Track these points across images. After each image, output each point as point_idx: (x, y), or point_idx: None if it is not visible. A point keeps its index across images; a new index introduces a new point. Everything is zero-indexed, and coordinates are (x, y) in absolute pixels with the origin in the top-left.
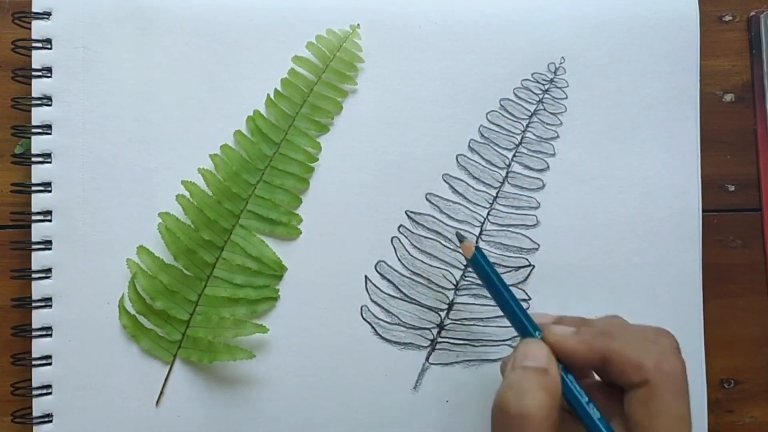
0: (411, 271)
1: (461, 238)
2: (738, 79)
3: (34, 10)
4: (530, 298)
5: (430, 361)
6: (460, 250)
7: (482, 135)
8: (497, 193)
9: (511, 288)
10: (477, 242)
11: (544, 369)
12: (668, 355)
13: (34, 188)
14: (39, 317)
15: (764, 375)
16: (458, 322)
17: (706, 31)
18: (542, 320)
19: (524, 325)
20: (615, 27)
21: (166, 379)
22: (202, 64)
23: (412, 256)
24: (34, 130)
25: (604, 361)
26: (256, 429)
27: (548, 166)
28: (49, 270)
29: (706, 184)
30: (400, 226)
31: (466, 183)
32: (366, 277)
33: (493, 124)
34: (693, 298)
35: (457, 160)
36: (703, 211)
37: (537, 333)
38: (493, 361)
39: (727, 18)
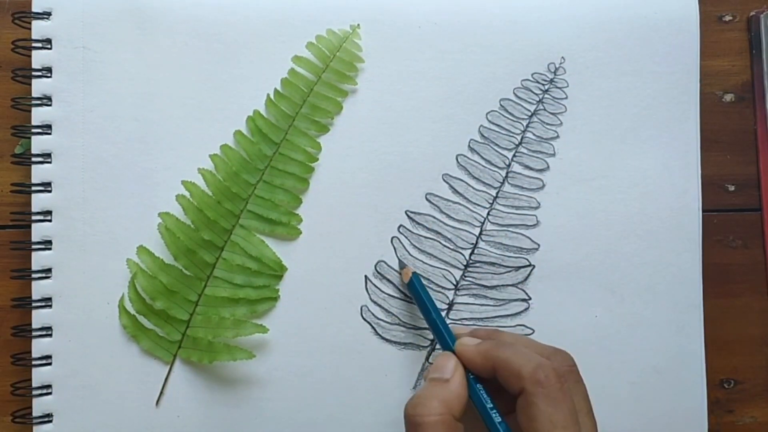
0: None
1: (402, 266)
2: (738, 79)
3: (34, 10)
4: (530, 298)
5: (431, 360)
6: (459, 250)
7: (482, 135)
8: (497, 193)
9: (512, 287)
10: (477, 242)
11: (445, 380)
12: (544, 367)
13: (34, 188)
14: (39, 317)
15: (764, 375)
16: (458, 322)
17: (706, 31)
18: (457, 331)
19: (443, 338)
20: (615, 27)
21: (166, 379)
22: (202, 64)
23: (412, 256)
24: (34, 130)
25: (495, 370)
26: (256, 429)
27: (548, 166)
28: (49, 270)
29: (706, 184)
30: (400, 226)
31: (466, 183)
32: (366, 277)
33: (493, 124)
34: (693, 297)
35: (457, 160)
36: (703, 211)
37: (452, 346)
38: None
39: (727, 18)
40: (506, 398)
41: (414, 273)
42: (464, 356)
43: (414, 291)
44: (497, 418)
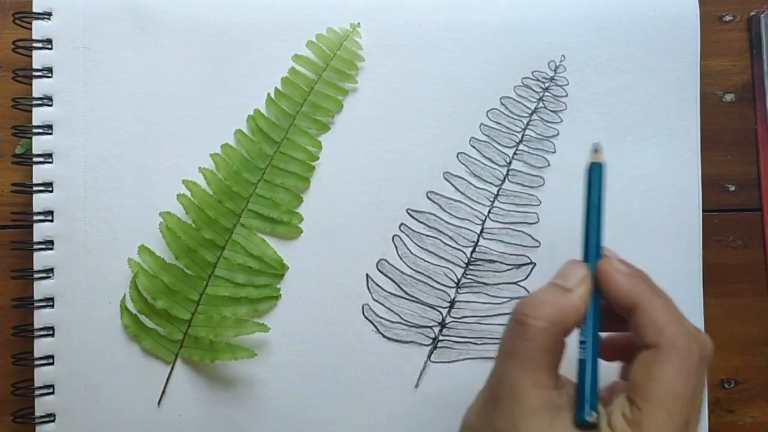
0: (412, 269)
1: (597, 149)
2: (738, 79)
3: (34, 10)
4: None
5: (432, 359)
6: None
7: (483, 133)
8: (498, 190)
9: (513, 285)
10: (478, 240)
11: (567, 289)
12: (691, 338)
13: (35, 188)
14: (41, 317)
15: (764, 375)
16: (460, 320)
17: (707, 31)
18: (609, 254)
19: (590, 245)
20: (615, 25)
21: (167, 379)
22: (203, 64)
23: (413, 254)
24: (35, 131)
25: (634, 308)
26: (258, 428)
27: (549, 164)
28: (51, 270)
29: (707, 184)
30: (402, 224)
31: (467, 181)
32: (367, 275)
33: (494, 122)
34: (693, 296)
35: (458, 158)
36: (704, 211)
37: (593, 261)
38: (495, 359)
39: (728, 18)
40: (615, 349)
41: (600, 164)
42: (609, 276)
43: (591, 176)
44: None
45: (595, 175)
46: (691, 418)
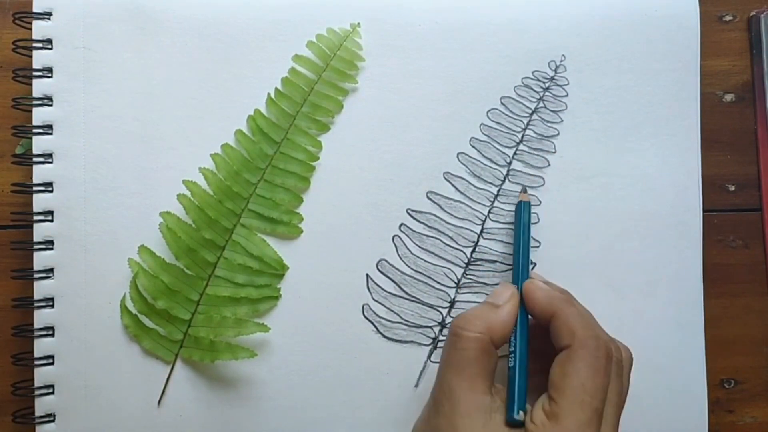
0: (412, 269)
1: (524, 190)
2: (738, 79)
3: (34, 10)
4: None
5: (432, 359)
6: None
7: (483, 133)
8: (498, 190)
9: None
10: (478, 240)
11: (496, 305)
12: (600, 340)
13: (35, 188)
14: (41, 317)
15: (764, 375)
16: None
17: (707, 31)
18: (535, 276)
19: (517, 271)
20: (616, 24)
21: (167, 379)
22: (203, 64)
23: (413, 254)
24: (35, 131)
25: (552, 317)
26: (258, 428)
27: (549, 164)
28: (51, 270)
29: (707, 184)
30: (402, 224)
31: (467, 181)
32: (367, 275)
33: (494, 122)
34: (694, 296)
35: (458, 158)
36: (704, 211)
37: (520, 282)
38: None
39: (728, 18)
40: (541, 359)
41: (527, 203)
42: (529, 292)
43: (519, 214)
44: (518, 363)
45: (523, 211)
46: (605, 411)
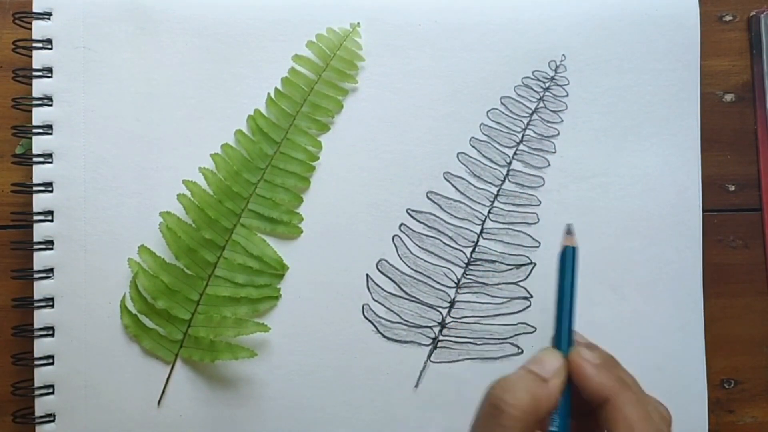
0: (412, 269)
1: (569, 232)
2: (738, 79)
3: (34, 10)
4: (531, 296)
5: (432, 359)
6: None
7: (483, 133)
8: (498, 190)
9: (513, 285)
10: (478, 240)
11: (543, 378)
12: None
13: (35, 188)
14: (41, 317)
15: (764, 375)
16: (460, 320)
17: (707, 31)
18: (579, 339)
19: (562, 334)
20: (616, 24)
21: (167, 379)
22: (203, 64)
23: (413, 254)
24: (34, 131)
25: (605, 402)
26: (258, 427)
27: (549, 164)
28: (51, 270)
29: (707, 184)
30: (402, 224)
31: (467, 181)
32: (367, 275)
33: (494, 122)
34: (694, 295)
35: (458, 158)
36: (704, 211)
37: (565, 347)
38: (495, 359)
39: (728, 18)
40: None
41: (574, 248)
42: (580, 370)
43: (564, 262)
44: None
45: (568, 260)
46: None
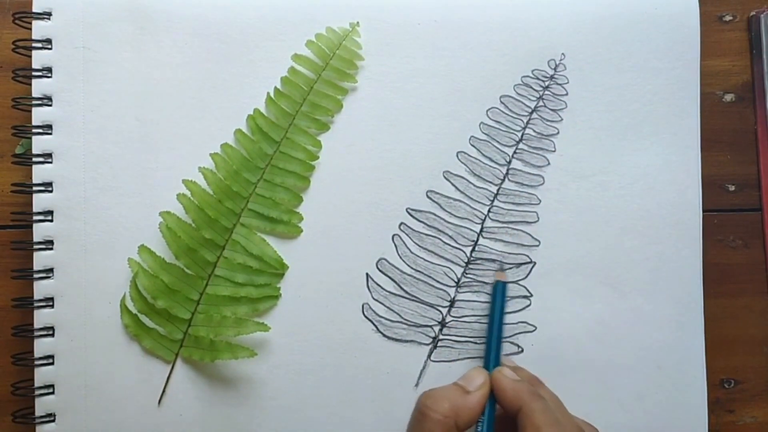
0: (412, 268)
1: (500, 268)
2: (738, 79)
3: (34, 10)
4: (531, 295)
5: (432, 358)
6: (465, 251)
7: (483, 132)
8: (498, 189)
9: (513, 284)
10: (478, 239)
11: (466, 391)
12: None
13: (35, 188)
14: (41, 317)
15: (764, 375)
16: (460, 320)
17: (707, 31)
18: (506, 362)
19: (489, 356)
20: (615, 23)
21: (168, 378)
22: (202, 63)
23: (413, 253)
24: (34, 130)
25: (518, 411)
26: (258, 427)
27: (549, 163)
28: (51, 270)
29: (707, 184)
30: (401, 223)
31: (467, 180)
32: (367, 274)
33: (494, 120)
34: (694, 295)
35: (457, 157)
36: (704, 211)
37: (491, 368)
38: None
39: (728, 18)
40: None
41: (503, 283)
42: (497, 382)
43: (495, 295)
44: None
45: (498, 293)
46: None
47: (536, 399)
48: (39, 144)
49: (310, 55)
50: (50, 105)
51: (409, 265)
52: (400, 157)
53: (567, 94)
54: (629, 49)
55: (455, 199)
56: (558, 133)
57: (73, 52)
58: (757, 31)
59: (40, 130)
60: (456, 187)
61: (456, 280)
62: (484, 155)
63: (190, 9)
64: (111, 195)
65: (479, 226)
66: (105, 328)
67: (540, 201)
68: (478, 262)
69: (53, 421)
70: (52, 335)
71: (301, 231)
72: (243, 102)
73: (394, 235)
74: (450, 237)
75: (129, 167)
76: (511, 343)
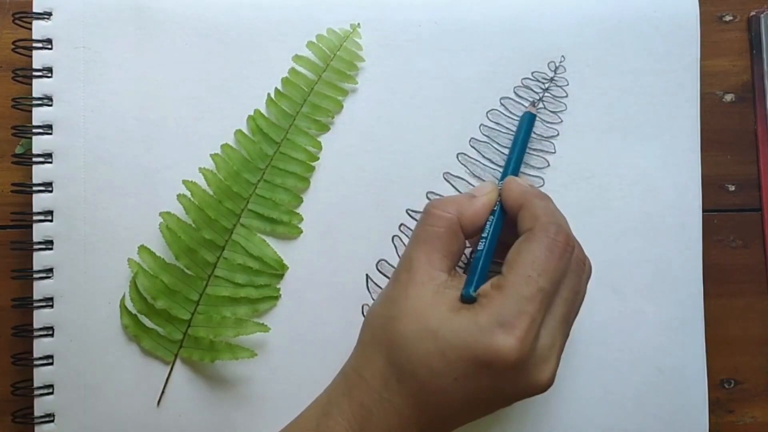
0: None
1: (535, 103)
2: (738, 79)
3: (34, 10)
4: None
5: None
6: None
7: (483, 133)
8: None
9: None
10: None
11: (473, 195)
12: (561, 229)
13: (35, 188)
14: (41, 317)
15: (764, 375)
16: None
17: (706, 31)
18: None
19: (506, 171)
20: (615, 25)
21: (167, 379)
22: (203, 64)
23: None
24: (34, 131)
25: (521, 208)
26: (258, 428)
27: (549, 165)
28: (51, 270)
29: (706, 184)
30: (401, 224)
31: (467, 181)
32: (367, 275)
33: (494, 122)
34: (694, 296)
35: (457, 158)
36: (704, 211)
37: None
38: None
39: (728, 18)
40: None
41: (533, 115)
42: (506, 185)
43: (522, 123)
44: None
45: (525, 122)
46: (554, 303)
47: (541, 198)
48: (39, 144)
49: (311, 56)
50: (50, 105)
51: None
52: (400, 158)
53: (567, 96)
54: (629, 50)
55: None
56: (558, 134)
57: (73, 52)
58: (757, 31)
59: (40, 130)
60: (456, 189)
61: None
62: (484, 156)
63: (191, 9)
64: (111, 195)
65: None
66: (104, 328)
67: None
68: None
69: (52, 421)
70: (52, 335)
71: (301, 232)
72: (243, 102)
73: (394, 236)
74: None
75: (129, 167)
76: None
